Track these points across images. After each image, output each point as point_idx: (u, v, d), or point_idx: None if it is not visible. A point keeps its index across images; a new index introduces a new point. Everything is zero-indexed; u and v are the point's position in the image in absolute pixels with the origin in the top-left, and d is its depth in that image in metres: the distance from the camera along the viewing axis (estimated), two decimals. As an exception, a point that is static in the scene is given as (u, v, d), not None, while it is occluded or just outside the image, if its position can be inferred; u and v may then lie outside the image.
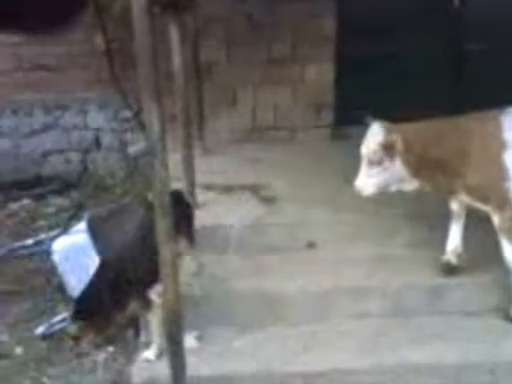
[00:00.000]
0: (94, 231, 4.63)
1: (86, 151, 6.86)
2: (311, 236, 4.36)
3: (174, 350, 3.10)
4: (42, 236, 5.12)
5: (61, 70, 6.34)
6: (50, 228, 5.69)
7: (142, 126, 5.45)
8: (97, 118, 6.77)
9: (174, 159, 3.87)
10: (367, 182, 3.68)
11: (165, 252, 2.95)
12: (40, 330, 4.59)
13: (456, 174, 3.65)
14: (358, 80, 5.70)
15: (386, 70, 5.65)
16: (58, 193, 6.75)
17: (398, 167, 3.64)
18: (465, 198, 3.78)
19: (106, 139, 6.84)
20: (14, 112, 6.77)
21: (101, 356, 4.30)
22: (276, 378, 3.52)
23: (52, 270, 4.75)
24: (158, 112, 2.81)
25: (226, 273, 4.05)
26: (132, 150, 6.66)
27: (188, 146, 4.34)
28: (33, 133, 6.80)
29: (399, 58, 5.63)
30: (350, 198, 3.82)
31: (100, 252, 4.55)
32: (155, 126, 2.82)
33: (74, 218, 5.41)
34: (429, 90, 5.67)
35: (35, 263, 5.17)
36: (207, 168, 4.77)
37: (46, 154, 6.87)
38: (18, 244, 5.35)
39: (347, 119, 5.67)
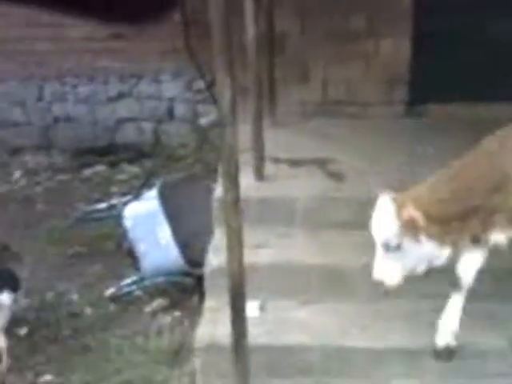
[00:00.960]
0: (165, 199, 4.74)
1: (159, 121, 6.97)
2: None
3: (236, 317, 3.16)
4: (115, 201, 5.26)
5: (136, 39, 6.43)
6: (122, 195, 5.84)
7: (215, 98, 5.51)
8: (170, 88, 6.85)
9: (244, 131, 3.88)
10: (389, 270, 3.01)
11: (230, 222, 2.99)
12: (109, 292, 4.76)
13: (495, 210, 3.05)
14: (434, 56, 5.55)
15: (464, 47, 5.49)
16: (131, 161, 6.91)
17: (424, 245, 2.99)
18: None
19: (179, 109, 6.92)
20: (91, 79, 6.94)
21: (166, 320, 4.42)
22: (334, 352, 3.54)
23: (123, 235, 4.90)
24: (229, 83, 2.83)
25: (290, 246, 4.07)
26: (204, 121, 6.73)
27: (258, 118, 4.35)
28: (108, 100, 6.95)
29: (477, 34, 5.45)
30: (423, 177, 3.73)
31: (169, 219, 4.67)
32: (227, 97, 2.84)
33: (146, 185, 5.53)
34: (509, 68, 5.47)
35: (107, 228, 5.34)
36: (276, 141, 4.76)
37: (119, 122, 7.02)
38: (91, 208, 5.53)
39: (422, 96, 5.56)
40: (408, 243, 2.95)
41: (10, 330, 4.12)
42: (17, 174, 6.84)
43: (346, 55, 5.57)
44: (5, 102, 7.09)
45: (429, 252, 3.02)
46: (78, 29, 6.43)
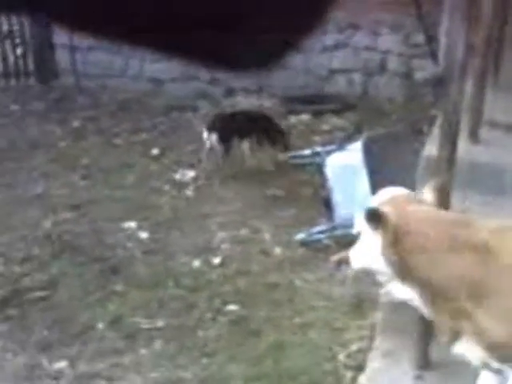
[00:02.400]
0: (368, 153, 4.65)
1: (370, 74, 6.83)
2: None
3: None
4: (319, 149, 5.27)
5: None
6: (324, 145, 5.84)
7: (434, 53, 5.27)
8: (386, 41, 6.67)
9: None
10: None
11: (440, 179, 2.83)
12: (300, 236, 4.81)
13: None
14: None
15: None
16: (336, 112, 6.87)
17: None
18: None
19: (392, 63, 6.73)
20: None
21: (351, 271, 4.37)
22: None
23: (322, 183, 4.90)
24: (463, 37, 2.66)
25: (494, 216, 3.80)
26: (420, 76, 6.48)
27: (481, 79, 4.07)
28: (323, 50, 6.93)
29: None
30: None
31: (370, 174, 4.57)
32: (458, 52, 2.68)
33: (351, 137, 5.48)
34: None
35: (307, 174, 5.37)
36: (495, 104, 4.44)
37: (331, 73, 6.99)
38: (295, 153, 5.59)
39: None
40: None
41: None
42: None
43: None
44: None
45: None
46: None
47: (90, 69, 8.61)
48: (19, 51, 9.86)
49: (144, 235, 4.95)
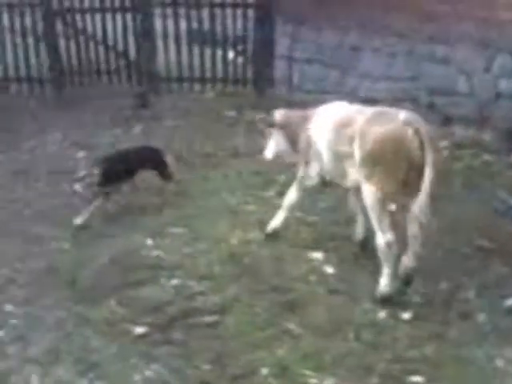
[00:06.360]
0: None
1: None
2: None
3: None
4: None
5: None
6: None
7: None
8: None
9: None
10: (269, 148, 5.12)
11: None
12: (509, 302, 4.07)
13: None
14: None
15: None
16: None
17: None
18: None
19: None
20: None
21: None
22: None
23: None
24: None
25: None
26: None
27: None
28: None
29: None
30: None
31: None
32: None
33: None
34: None
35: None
36: None
37: None
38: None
39: None
40: (274, 132, 5.04)
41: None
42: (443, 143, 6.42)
43: None
44: (452, 69, 6.72)
45: (284, 145, 5.02)
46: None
47: (304, 82, 8.39)
48: (240, 59, 9.95)
49: (330, 270, 4.52)
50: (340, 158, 4.36)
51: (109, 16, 9.61)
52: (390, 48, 7.34)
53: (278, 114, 5.03)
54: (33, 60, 9.77)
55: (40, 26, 9.72)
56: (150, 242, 4.93)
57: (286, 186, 5.54)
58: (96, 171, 5.48)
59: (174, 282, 4.35)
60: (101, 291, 4.23)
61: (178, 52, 9.71)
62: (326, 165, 4.55)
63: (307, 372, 3.43)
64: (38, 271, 4.56)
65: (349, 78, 7.86)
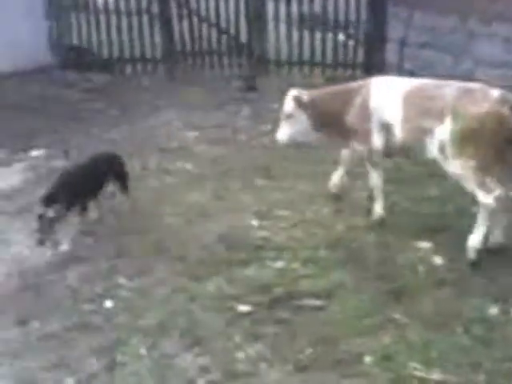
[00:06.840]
0: None
1: None
2: None
3: None
4: None
5: None
6: None
7: None
8: None
9: None
10: (282, 133, 5.06)
11: None
12: None
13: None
14: None
15: None
16: None
17: (304, 120, 4.97)
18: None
19: None
20: None
21: None
22: None
23: None
24: None
25: None
26: None
27: None
28: None
29: None
30: None
31: None
32: None
33: None
34: None
35: None
36: None
37: None
38: None
39: None
40: (296, 114, 4.94)
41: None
42: None
43: None
44: None
45: (305, 127, 4.98)
46: None
47: (416, 67, 8.16)
48: (351, 42, 9.81)
49: (439, 261, 4.39)
50: (420, 130, 4.31)
51: (222, -2, 9.75)
52: (508, 33, 7.00)
53: (304, 95, 4.92)
54: (147, 40, 10.05)
55: (155, 7, 9.98)
56: (255, 222, 4.98)
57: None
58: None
59: (280, 263, 4.37)
60: (209, 268, 4.30)
61: (289, 35, 9.71)
62: (395, 137, 4.50)
63: (413, 364, 3.34)
64: (150, 245, 4.68)
65: (463, 64, 7.58)
